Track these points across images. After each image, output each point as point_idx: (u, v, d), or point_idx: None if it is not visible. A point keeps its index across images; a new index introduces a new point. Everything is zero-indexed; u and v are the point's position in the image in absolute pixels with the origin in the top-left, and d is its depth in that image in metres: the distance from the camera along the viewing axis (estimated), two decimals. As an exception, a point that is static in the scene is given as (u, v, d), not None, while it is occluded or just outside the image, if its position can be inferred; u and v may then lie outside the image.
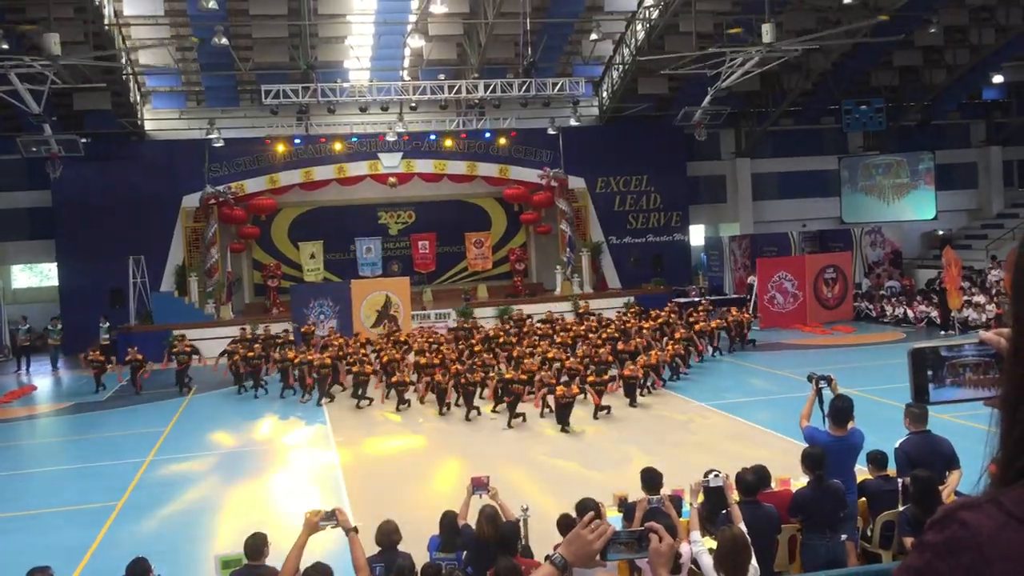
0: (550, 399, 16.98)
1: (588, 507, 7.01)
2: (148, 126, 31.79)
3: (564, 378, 17.84)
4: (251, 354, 21.75)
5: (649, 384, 19.22)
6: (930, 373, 1.28)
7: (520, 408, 17.20)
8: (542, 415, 17.32)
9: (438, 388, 18.49)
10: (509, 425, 16.76)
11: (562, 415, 16.38)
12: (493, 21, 27.66)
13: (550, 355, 20.30)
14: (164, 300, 29.45)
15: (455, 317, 29.08)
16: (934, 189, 36.72)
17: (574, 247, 32.86)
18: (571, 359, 19.49)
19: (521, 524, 7.50)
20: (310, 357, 20.92)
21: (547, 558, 2.55)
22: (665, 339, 22.45)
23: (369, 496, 12.62)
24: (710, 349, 23.69)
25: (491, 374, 18.97)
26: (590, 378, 18.02)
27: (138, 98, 30.81)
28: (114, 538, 11.56)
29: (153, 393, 22.05)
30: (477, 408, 17.85)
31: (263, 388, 21.35)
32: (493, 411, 17.87)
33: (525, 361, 19.55)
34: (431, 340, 23.06)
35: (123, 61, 27.56)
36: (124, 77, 28.31)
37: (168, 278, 30.84)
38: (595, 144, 33.63)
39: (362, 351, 22.37)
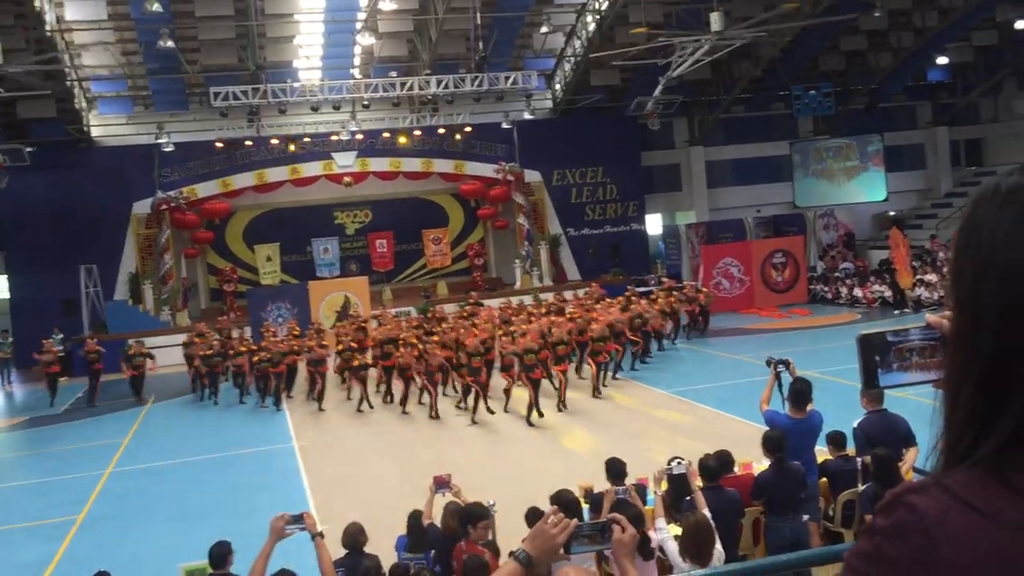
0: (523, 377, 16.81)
1: (564, 499, 7.02)
2: (95, 133, 31.24)
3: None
4: (210, 352, 21.38)
5: (612, 369, 19.20)
6: (878, 359, 1.30)
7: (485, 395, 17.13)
8: (507, 389, 17.24)
9: (399, 373, 18.33)
10: (473, 421, 16.72)
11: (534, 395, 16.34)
12: (443, 16, 27.60)
13: (512, 329, 20.10)
14: (118, 309, 29.01)
15: (415, 315, 28.97)
16: (884, 171, 37.33)
17: (532, 240, 32.91)
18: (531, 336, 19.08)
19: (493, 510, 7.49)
20: (269, 349, 20.53)
21: (511, 554, 2.55)
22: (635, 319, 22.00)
23: (334, 499, 12.54)
24: (673, 337, 23.83)
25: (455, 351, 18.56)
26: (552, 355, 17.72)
27: (84, 104, 30.27)
28: (76, 552, 11.38)
29: (109, 404, 21.72)
30: (436, 410, 17.50)
31: (214, 396, 21.06)
32: (458, 406, 17.77)
33: (481, 332, 19.35)
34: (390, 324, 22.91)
35: (67, 67, 27.07)
36: (69, 83, 27.81)
37: (122, 286, 30.36)
38: (550, 137, 33.67)
39: (321, 339, 21.89)
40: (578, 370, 20.06)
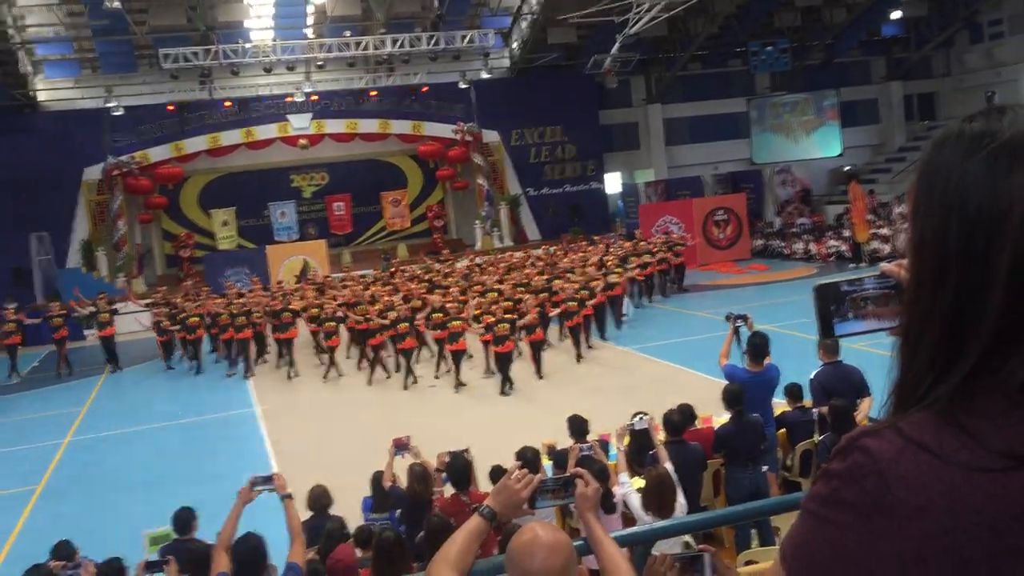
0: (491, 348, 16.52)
1: (527, 455, 7.09)
2: (41, 97, 30.46)
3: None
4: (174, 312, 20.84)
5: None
6: (833, 308, 1.31)
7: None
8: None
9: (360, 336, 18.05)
10: (458, 384, 16.53)
11: (503, 366, 16.03)
12: (397, -26, 27.17)
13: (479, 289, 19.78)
14: (72, 276, 28.48)
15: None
16: (839, 126, 37.63)
17: (492, 201, 32.82)
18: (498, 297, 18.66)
19: (468, 456, 7.54)
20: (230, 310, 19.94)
21: (475, 510, 2.57)
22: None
23: (298, 462, 12.51)
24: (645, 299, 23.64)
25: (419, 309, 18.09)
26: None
27: (29, 68, 29.45)
28: (36, 523, 11.28)
29: (82, 370, 21.40)
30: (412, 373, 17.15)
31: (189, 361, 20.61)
32: (436, 376, 17.26)
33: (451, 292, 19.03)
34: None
35: (10, 29, 26.29)
36: (12, 47, 27.02)
37: (74, 254, 29.83)
38: (507, 96, 33.46)
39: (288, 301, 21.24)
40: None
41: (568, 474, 2.64)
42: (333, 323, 18.48)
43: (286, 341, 19.25)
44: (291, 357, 19.12)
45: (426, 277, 23.27)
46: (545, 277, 20.60)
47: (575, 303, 17.73)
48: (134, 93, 29.98)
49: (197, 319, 20.46)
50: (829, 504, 1.07)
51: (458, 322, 16.68)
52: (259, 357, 20.20)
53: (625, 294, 21.26)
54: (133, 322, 24.01)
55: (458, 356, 16.61)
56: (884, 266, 1.27)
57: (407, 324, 17.17)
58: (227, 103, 30.41)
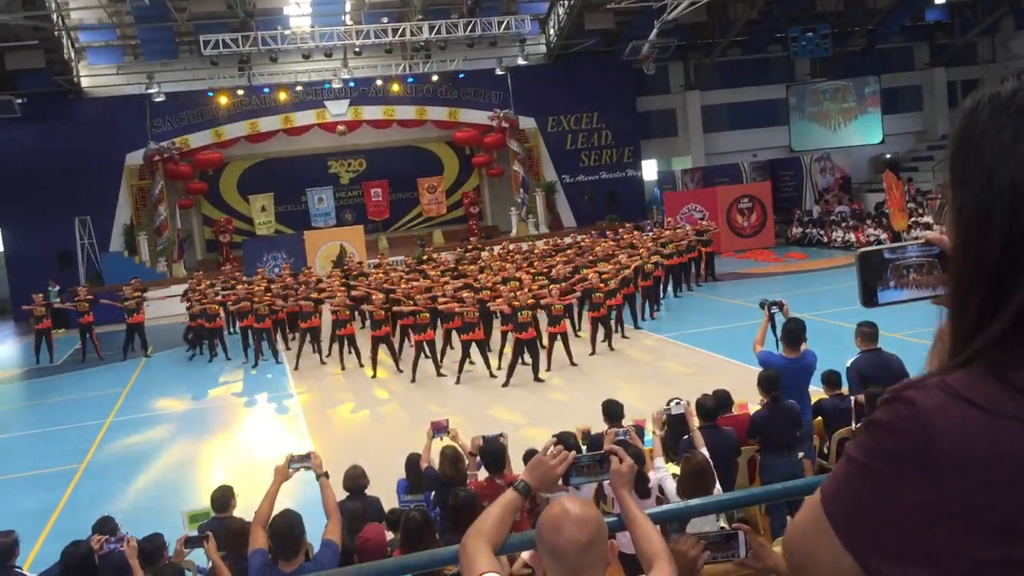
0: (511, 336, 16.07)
1: (564, 438, 7.09)
2: (85, 83, 30.89)
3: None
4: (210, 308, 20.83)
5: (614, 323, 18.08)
6: (876, 276, 1.31)
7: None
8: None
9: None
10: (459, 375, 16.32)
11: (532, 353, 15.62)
12: (434, -40, 27.16)
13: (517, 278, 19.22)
14: (114, 260, 28.98)
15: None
16: (880, 113, 37.09)
17: (528, 188, 32.80)
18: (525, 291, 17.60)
19: (504, 441, 7.58)
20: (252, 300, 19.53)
21: (510, 484, 2.59)
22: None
23: (335, 444, 12.65)
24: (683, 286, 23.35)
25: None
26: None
27: (72, 55, 29.85)
28: (79, 500, 11.51)
29: (108, 354, 21.72)
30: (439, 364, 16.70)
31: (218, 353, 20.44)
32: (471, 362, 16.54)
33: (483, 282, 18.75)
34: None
35: (54, 16, 26.66)
36: (57, 33, 27.41)
37: (116, 238, 30.28)
38: (544, 83, 33.36)
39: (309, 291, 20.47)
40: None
41: (603, 451, 2.65)
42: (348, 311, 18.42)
43: (311, 330, 19.05)
44: (318, 345, 18.98)
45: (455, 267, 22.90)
46: (572, 266, 20.39)
47: (600, 295, 17.30)
48: (175, 79, 30.31)
49: (218, 307, 20.53)
50: (872, 454, 1.08)
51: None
52: (286, 342, 20.24)
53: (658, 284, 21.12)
54: (168, 306, 24.19)
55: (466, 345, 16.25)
56: (927, 234, 1.28)
57: (427, 315, 16.74)
58: (266, 89, 30.53)
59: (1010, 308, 1.05)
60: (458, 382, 16.03)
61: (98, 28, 29.80)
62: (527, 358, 15.68)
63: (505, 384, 15.52)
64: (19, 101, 26.39)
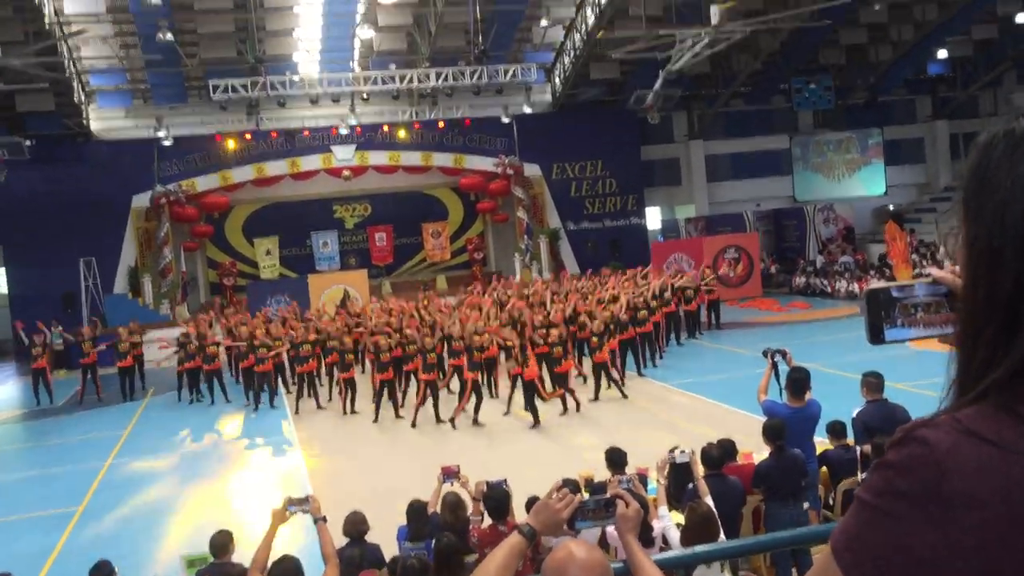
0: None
1: (568, 484, 7.01)
2: (94, 126, 31.20)
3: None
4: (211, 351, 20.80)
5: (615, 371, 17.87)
6: (883, 314, 1.30)
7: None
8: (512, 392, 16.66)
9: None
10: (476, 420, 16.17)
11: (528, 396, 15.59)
12: (443, 9, 27.56)
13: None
14: (118, 302, 29.00)
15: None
16: (883, 165, 37.34)
17: (532, 234, 32.93)
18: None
19: (507, 487, 7.47)
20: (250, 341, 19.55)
21: (515, 527, 2.56)
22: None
23: (335, 489, 12.54)
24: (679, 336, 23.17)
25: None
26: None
27: (83, 98, 30.20)
28: (76, 543, 11.39)
29: (109, 396, 21.64)
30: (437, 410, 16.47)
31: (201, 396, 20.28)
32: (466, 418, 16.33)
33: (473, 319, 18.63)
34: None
35: (66, 60, 27.01)
36: (67, 76, 27.75)
37: (121, 280, 30.36)
38: (549, 130, 33.66)
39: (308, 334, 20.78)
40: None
41: (609, 495, 2.62)
42: (352, 355, 18.51)
43: (307, 373, 19.02)
44: (315, 389, 18.93)
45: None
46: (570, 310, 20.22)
47: (596, 338, 17.19)
48: (183, 123, 30.61)
49: (215, 348, 20.45)
50: (885, 495, 1.06)
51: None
52: (286, 388, 20.07)
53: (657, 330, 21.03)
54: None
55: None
56: (936, 272, 1.27)
57: (432, 355, 16.71)
58: (273, 134, 30.84)
59: (1021, 346, 1.04)
60: (474, 422, 15.98)
61: (109, 72, 30.19)
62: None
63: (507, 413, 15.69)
64: (28, 143, 26.62)
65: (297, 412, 18.44)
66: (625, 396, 17.23)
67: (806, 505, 7.52)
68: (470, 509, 7.52)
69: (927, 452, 1.04)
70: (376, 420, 17.04)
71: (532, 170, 33.51)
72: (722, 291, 28.74)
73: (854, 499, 1.12)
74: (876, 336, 1.31)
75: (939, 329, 1.27)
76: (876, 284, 1.34)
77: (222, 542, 7.23)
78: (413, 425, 16.33)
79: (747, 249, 31.16)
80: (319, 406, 18.75)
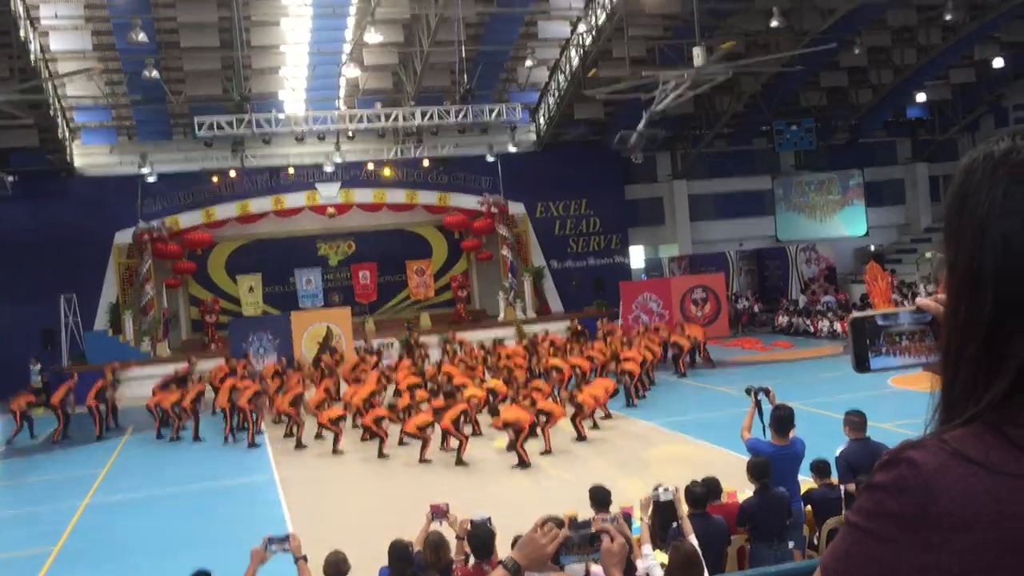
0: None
1: (554, 520, 6.93)
2: (78, 162, 31.16)
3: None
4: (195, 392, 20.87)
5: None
6: (868, 342, 1.30)
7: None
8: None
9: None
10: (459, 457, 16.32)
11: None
12: (428, 49, 27.80)
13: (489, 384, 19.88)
14: (98, 339, 28.76)
15: (399, 347, 28.86)
16: (864, 205, 37.72)
17: (516, 272, 32.97)
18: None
19: (491, 525, 7.36)
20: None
21: (499, 563, 2.52)
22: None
23: (315, 529, 12.37)
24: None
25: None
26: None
27: (67, 134, 30.18)
28: (50, 584, 11.17)
29: (87, 434, 21.37)
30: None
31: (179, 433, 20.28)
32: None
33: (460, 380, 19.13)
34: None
35: (51, 97, 27.02)
36: (52, 113, 27.75)
37: (102, 316, 30.14)
38: (534, 169, 33.87)
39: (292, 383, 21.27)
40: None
41: (594, 530, 2.60)
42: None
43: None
44: (298, 429, 18.89)
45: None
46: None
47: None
48: (168, 160, 30.61)
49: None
50: (873, 517, 1.06)
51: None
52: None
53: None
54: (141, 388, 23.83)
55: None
56: (920, 300, 1.28)
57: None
58: (258, 171, 30.85)
59: (1008, 372, 1.05)
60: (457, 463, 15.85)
61: (93, 109, 30.21)
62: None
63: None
64: (11, 179, 26.53)
65: (278, 447, 18.29)
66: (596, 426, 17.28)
67: (791, 544, 7.48)
68: (453, 549, 7.43)
69: (915, 473, 1.04)
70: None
71: (516, 208, 33.65)
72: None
73: (844, 522, 1.12)
74: (861, 364, 1.31)
75: (924, 357, 1.27)
76: (860, 312, 1.34)
77: (200, 582, 7.10)
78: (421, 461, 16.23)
79: (714, 289, 31.35)
80: (300, 445, 18.56)
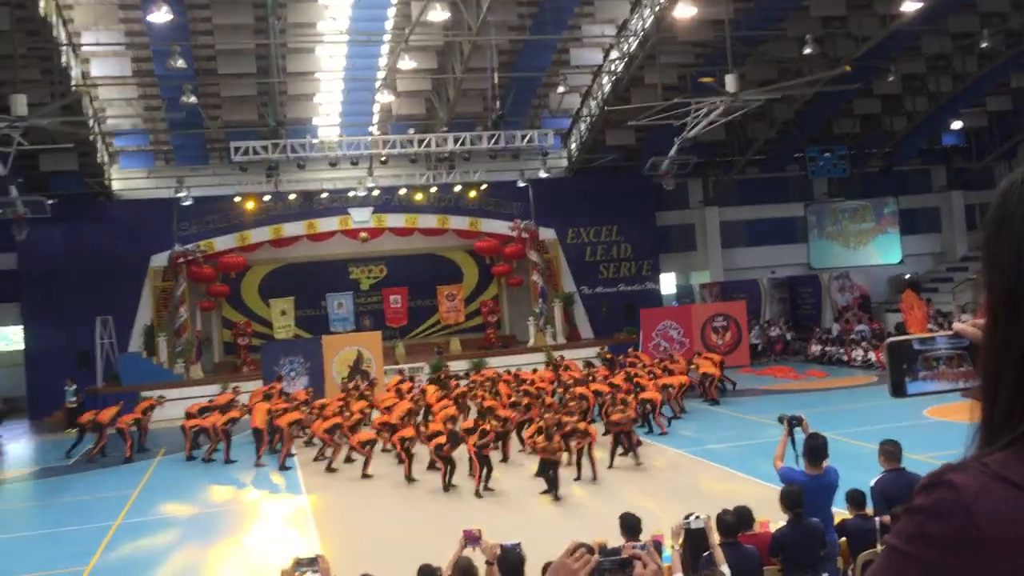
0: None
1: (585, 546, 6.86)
2: (116, 186, 31.67)
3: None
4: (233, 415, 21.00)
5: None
6: (905, 367, 1.29)
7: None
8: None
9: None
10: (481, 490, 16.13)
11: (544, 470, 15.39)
12: (461, 76, 28.03)
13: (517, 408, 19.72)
14: (132, 361, 29.06)
15: (428, 372, 28.90)
16: (899, 233, 37.37)
17: (546, 298, 32.95)
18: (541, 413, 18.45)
19: (521, 550, 7.29)
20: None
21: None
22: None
23: (345, 552, 12.38)
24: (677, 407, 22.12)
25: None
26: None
27: (106, 158, 30.73)
28: (81, 604, 11.25)
29: (120, 456, 21.54)
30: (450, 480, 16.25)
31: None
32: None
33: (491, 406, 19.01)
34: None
35: (91, 122, 27.54)
36: (92, 138, 28.26)
37: (136, 338, 30.46)
38: (565, 195, 33.93)
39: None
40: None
41: (627, 555, 2.57)
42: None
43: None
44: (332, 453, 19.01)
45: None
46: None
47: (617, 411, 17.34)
48: (203, 184, 31.02)
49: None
50: (914, 540, 1.05)
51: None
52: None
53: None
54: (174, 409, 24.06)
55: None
56: (957, 326, 1.27)
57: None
58: (291, 196, 31.14)
59: None
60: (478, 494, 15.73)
61: (132, 133, 30.73)
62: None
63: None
64: (51, 202, 26.99)
65: (308, 470, 18.35)
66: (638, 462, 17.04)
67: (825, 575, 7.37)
68: (483, 574, 7.39)
69: (957, 497, 1.03)
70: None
71: (547, 234, 33.69)
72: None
73: (884, 546, 1.10)
74: (898, 389, 1.30)
75: (961, 383, 1.26)
76: (897, 337, 1.33)
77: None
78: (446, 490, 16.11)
79: (735, 317, 31.08)
80: (331, 468, 18.60)
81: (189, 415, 21.93)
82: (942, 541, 1.02)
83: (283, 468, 19.00)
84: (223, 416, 20.67)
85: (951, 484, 1.04)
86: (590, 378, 23.25)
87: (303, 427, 20.90)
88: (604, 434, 17.74)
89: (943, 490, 1.05)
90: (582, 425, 16.47)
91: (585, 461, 16.17)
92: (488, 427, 16.77)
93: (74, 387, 27.46)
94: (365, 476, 17.62)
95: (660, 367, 24.05)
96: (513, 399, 20.49)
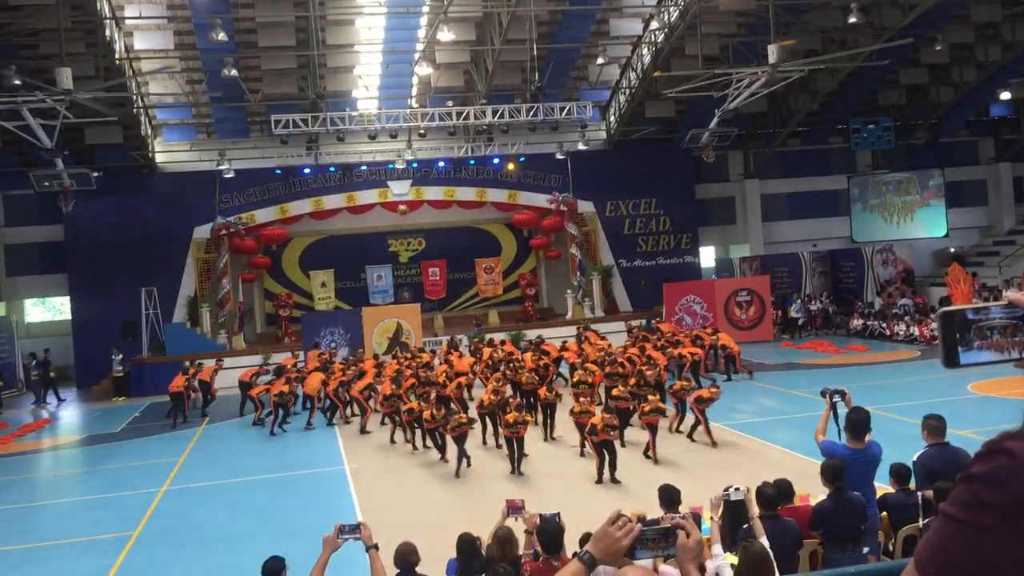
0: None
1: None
2: (159, 159, 32.05)
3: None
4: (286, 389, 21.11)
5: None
6: (958, 336, 1.28)
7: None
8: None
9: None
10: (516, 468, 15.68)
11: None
12: (500, 48, 27.88)
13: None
14: (176, 331, 29.54)
15: (467, 343, 29.00)
16: (944, 206, 36.69)
17: (584, 271, 32.88)
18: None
19: (560, 520, 7.32)
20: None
21: (575, 555, 2.53)
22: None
23: (385, 520, 12.53)
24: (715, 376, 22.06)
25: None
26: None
27: (149, 131, 31.09)
28: (130, 567, 11.53)
29: (166, 424, 22.02)
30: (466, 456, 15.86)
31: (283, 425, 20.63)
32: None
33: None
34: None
35: (134, 95, 27.83)
36: (135, 111, 28.57)
37: (180, 309, 30.94)
38: (603, 168, 33.74)
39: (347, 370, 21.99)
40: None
41: (669, 524, 2.59)
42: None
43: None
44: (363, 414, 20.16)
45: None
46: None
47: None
48: (244, 157, 31.28)
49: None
50: (970, 508, 1.05)
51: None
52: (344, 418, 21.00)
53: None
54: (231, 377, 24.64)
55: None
56: (1011, 295, 1.25)
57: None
58: (331, 168, 31.33)
59: None
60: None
61: (175, 107, 31.01)
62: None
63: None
64: (96, 174, 27.38)
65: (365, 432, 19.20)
66: (692, 439, 16.85)
67: (866, 550, 7.33)
68: (522, 545, 7.46)
69: (1014, 464, 1.03)
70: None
71: (586, 207, 33.57)
72: (734, 334, 26.97)
73: (939, 514, 1.11)
74: (951, 360, 1.29)
75: (1016, 352, 1.25)
76: (951, 307, 1.32)
77: (275, 568, 7.27)
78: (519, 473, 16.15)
79: (759, 292, 30.87)
80: (364, 430, 19.07)
81: (243, 383, 22.32)
82: (999, 508, 1.02)
83: (363, 432, 19.61)
84: (276, 384, 20.95)
85: (1009, 452, 1.04)
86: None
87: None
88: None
89: (1001, 457, 1.04)
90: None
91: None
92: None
93: (120, 356, 27.98)
94: (392, 442, 18.28)
95: (690, 336, 23.86)
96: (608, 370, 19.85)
